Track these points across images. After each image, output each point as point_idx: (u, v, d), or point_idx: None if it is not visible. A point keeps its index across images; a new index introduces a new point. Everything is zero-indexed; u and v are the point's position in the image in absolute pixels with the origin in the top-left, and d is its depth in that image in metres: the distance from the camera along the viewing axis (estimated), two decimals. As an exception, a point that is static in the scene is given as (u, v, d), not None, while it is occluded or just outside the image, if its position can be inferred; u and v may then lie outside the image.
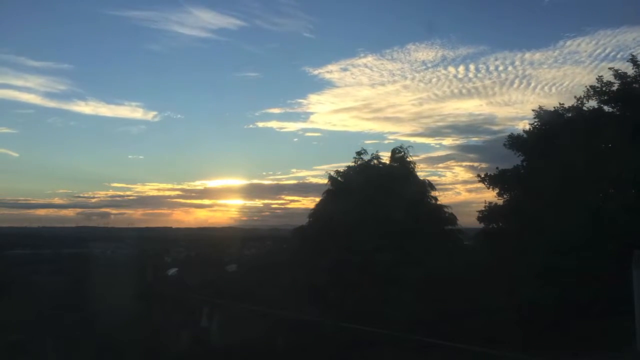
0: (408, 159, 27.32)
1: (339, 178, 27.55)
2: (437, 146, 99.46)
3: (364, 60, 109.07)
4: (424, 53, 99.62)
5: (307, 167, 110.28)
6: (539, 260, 17.92)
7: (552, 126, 21.65)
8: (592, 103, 21.22)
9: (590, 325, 13.26)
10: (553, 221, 18.66)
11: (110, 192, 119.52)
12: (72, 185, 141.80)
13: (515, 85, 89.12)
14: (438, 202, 27.05)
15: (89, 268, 23.94)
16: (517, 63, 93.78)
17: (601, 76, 20.58)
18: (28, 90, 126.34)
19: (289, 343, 12.54)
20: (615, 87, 20.22)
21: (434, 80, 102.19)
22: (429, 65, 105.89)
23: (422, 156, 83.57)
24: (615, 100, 20.38)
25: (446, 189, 57.48)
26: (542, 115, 22.21)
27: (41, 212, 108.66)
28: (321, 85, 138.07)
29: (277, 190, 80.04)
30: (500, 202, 23.01)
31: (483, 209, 23.06)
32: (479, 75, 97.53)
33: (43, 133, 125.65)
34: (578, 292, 15.59)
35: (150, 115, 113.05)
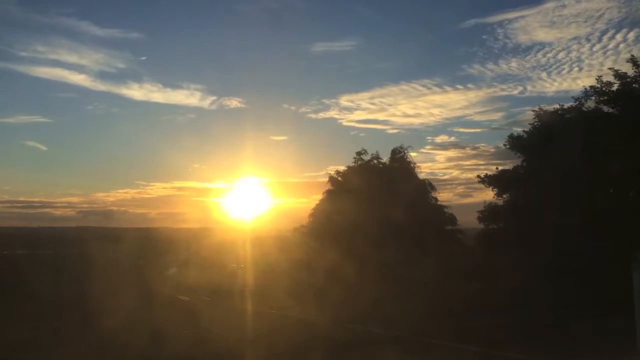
0: (407, 159, 27.61)
1: (339, 178, 27.67)
2: (499, 139, 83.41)
3: (500, 24, 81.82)
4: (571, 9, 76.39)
5: (344, 163, 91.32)
6: (538, 260, 17.96)
7: (551, 127, 21.68)
8: (592, 103, 21.27)
9: (590, 325, 13.27)
10: (553, 221, 18.69)
11: (131, 191, 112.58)
12: (93, 183, 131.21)
13: None
14: (439, 203, 27.27)
15: (89, 268, 23.90)
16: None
17: (600, 76, 20.62)
18: (80, 69, 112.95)
19: (289, 343, 12.55)
20: (614, 87, 20.24)
21: (565, 54, 78.78)
22: (564, 21, 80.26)
23: (477, 150, 70.75)
24: (615, 101, 20.39)
25: (477, 189, 51.53)
26: (542, 115, 22.25)
27: (57, 212, 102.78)
28: (423, 64, 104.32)
29: (306, 188, 70.71)
30: (500, 202, 23.08)
31: (483, 209, 23.15)
32: (623, 46, 72.90)
33: (80, 122, 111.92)
34: (578, 292, 15.63)
35: (207, 102, 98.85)
